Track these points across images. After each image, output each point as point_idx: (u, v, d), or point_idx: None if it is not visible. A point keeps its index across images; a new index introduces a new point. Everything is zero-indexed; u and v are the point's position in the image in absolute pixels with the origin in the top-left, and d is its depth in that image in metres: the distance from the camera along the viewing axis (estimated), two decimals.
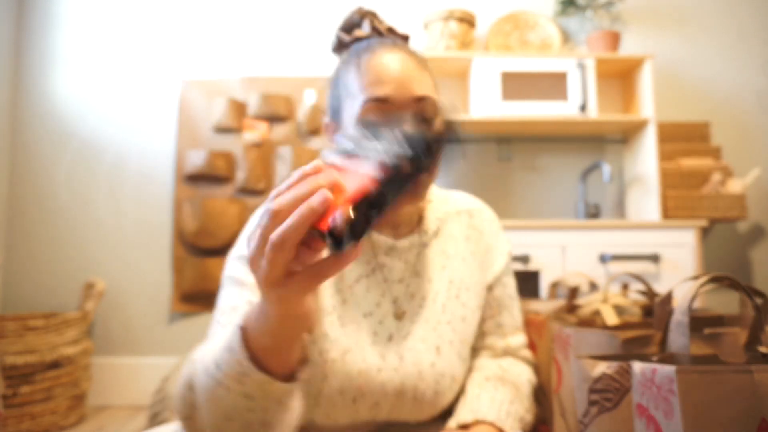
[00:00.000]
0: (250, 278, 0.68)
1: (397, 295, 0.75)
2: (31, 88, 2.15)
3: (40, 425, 1.67)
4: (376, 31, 0.75)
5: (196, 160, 2.05)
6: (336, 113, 0.73)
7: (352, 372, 0.69)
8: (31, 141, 2.12)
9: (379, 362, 0.71)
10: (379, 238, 0.74)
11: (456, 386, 0.76)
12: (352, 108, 0.69)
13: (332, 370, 0.69)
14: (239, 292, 0.68)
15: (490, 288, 0.82)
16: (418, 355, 0.72)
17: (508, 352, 0.84)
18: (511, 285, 0.85)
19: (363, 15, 0.75)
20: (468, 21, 1.95)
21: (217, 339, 0.58)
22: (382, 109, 0.66)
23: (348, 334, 0.70)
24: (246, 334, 0.51)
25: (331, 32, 2.16)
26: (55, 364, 1.70)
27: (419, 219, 0.78)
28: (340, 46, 0.77)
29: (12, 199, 2.10)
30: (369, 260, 0.74)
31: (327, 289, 0.71)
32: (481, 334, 0.83)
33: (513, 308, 0.85)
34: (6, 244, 2.09)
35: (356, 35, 0.75)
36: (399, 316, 0.74)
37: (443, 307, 0.76)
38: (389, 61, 0.67)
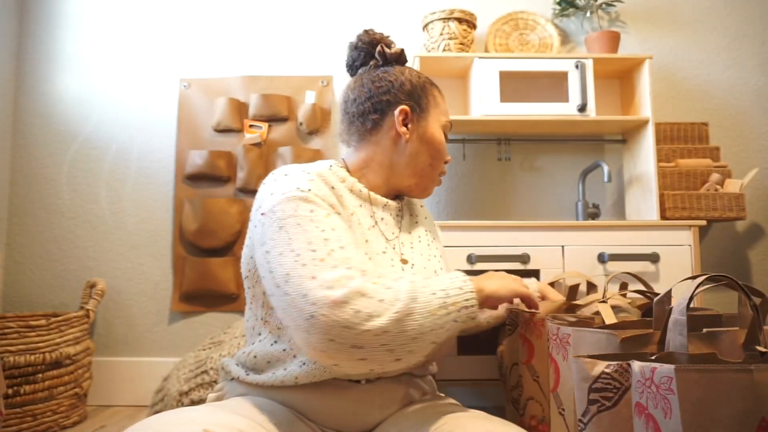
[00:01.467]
0: (317, 213, 0.79)
1: (395, 243, 0.94)
2: (32, 88, 2.15)
3: (41, 424, 1.67)
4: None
5: (196, 159, 2.05)
6: (420, 107, 0.97)
7: None
8: (32, 141, 2.13)
9: None
10: (377, 196, 0.95)
11: None
12: (438, 118, 0.99)
13: None
14: (315, 226, 0.77)
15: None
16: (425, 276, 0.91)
17: None
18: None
19: (392, 42, 1.03)
20: (468, 21, 1.95)
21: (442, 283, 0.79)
22: (449, 130, 1.02)
23: (376, 263, 0.86)
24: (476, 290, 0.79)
25: (330, 32, 2.17)
26: (56, 364, 1.71)
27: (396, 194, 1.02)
28: (382, 57, 1.01)
29: (13, 199, 2.10)
30: (371, 214, 0.93)
31: (354, 228, 0.87)
32: None
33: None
34: (7, 243, 2.09)
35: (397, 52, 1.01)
36: (404, 261, 0.92)
37: (428, 246, 1.00)
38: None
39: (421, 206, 1.11)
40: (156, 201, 2.09)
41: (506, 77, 1.86)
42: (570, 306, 1.31)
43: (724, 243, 2.08)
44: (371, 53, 1.01)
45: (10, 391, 1.61)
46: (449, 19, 1.94)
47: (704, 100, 2.14)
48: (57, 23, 2.18)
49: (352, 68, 1.04)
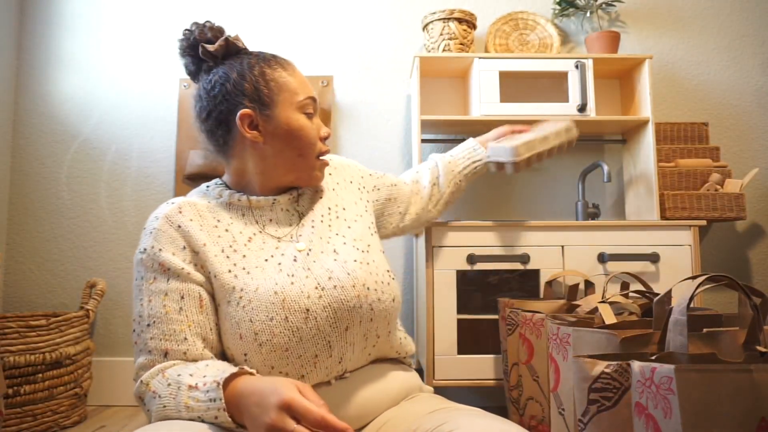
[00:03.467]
0: (145, 281, 0.81)
1: (292, 234, 0.89)
2: (32, 88, 2.15)
3: (41, 424, 1.67)
4: (233, 44, 0.93)
5: (196, 159, 2.05)
6: (262, 102, 0.87)
7: (269, 296, 0.79)
8: (32, 141, 2.13)
9: (290, 279, 0.81)
10: (259, 199, 0.89)
11: (367, 269, 0.87)
12: (290, 102, 0.88)
13: (252, 308, 0.78)
14: (140, 299, 0.80)
15: (378, 188, 1.09)
16: (322, 260, 0.86)
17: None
18: (383, 176, 1.14)
19: (217, 31, 0.93)
20: (468, 21, 1.95)
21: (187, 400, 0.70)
22: (311, 105, 0.91)
23: (255, 276, 0.81)
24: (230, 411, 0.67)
25: (330, 33, 2.17)
26: (56, 364, 1.71)
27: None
28: (207, 53, 0.91)
29: (13, 199, 2.10)
30: (255, 221, 0.88)
31: (217, 257, 0.82)
32: (411, 203, 1.18)
33: (393, 179, 1.17)
34: (7, 243, 2.09)
35: (235, 45, 0.93)
36: (300, 250, 0.87)
37: (329, 227, 0.92)
38: (300, 72, 0.94)
39: (330, 174, 1.02)
40: (156, 201, 2.09)
41: (506, 77, 1.86)
42: (570, 306, 1.32)
43: (724, 243, 2.08)
44: (198, 57, 0.91)
45: (10, 391, 1.61)
46: (449, 19, 1.94)
47: (704, 100, 2.14)
48: (57, 23, 2.18)
49: (192, 75, 0.95)
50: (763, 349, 0.66)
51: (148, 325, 0.77)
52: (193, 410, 0.69)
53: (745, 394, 0.52)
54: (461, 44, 1.95)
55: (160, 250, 0.81)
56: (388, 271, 0.91)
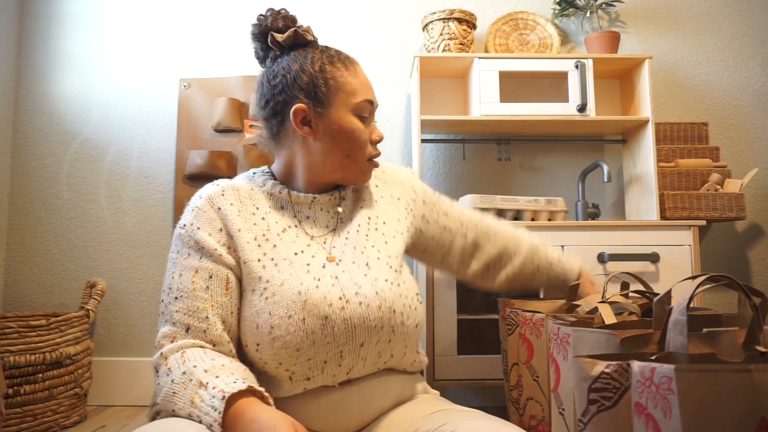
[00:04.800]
0: (180, 255, 0.83)
1: (326, 238, 0.88)
2: (33, 88, 2.15)
3: (41, 424, 1.67)
4: (303, 35, 0.90)
5: (196, 159, 2.05)
6: (318, 100, 0.86)
7: (292, 294, 0.79)
8: (33, 141, 2.13)
9: (315, 282, 0.81)
10: (299, 195, 0.89)
11: (397, 290, 0.85)
12: (346, 103, 0.87)
13: (274, 302, 0.79)
14: (172, 272, 0.82)
15: (428, 221, 1.03)
16: (352, 271, 0.84)
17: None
18: (442, 201, 1.08)
19: (290, 20, 0.91)
20: (468, 21, 1.95)
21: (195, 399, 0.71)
22: (368, 109, 0.89)
23: (282, 270, 0.81)
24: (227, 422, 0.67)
25: (330, 32, 2.17)
26: (56, 364, 1.71)
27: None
28: (276, 42, 0.90)
29: (13, 199, 2.10)
30: (293, 214, 0.89)
31: (249, 244, 0.83)
32: (468, 252, 1.09)
33: (458, 211, 1.10)
34: (7, 243, 2.09)
35: (305, 36, 0.90)
36: (331, 259, 0.85)
37: (366, 237, 0.90)
38: (364, 73, 0.91)
39: (377, 186, 1.00)
40: (156, 201, 2.09)
41: (506, 77, 1.86)
42: (570, 306, 1.31)
43: (724, 243, 2.08)
44: (267, 44, 0.91)
45: (10, 390, 1.61)
46: (449, 19, 1.94)
47: (704, 100, 2.14)
48: (57, 23, 2.18)
49: (260, 60, 0.95)
50: (763, 349, 0.66)
51: (176, 298, 0.80)
52: (196, 407, 0.70)
53: (745, 394, 0.52)
54: (461, 44, 1.95)
55: (198, 228, 0.83)
56: (417, 294, 0.90)
